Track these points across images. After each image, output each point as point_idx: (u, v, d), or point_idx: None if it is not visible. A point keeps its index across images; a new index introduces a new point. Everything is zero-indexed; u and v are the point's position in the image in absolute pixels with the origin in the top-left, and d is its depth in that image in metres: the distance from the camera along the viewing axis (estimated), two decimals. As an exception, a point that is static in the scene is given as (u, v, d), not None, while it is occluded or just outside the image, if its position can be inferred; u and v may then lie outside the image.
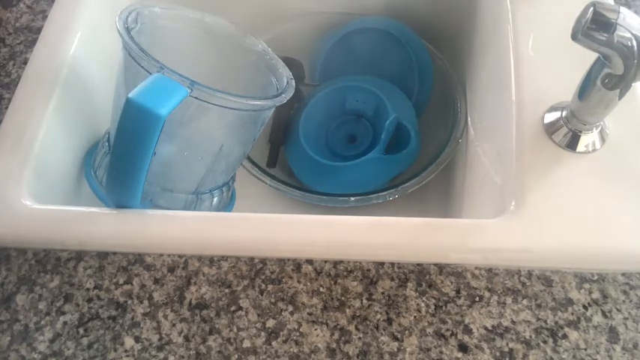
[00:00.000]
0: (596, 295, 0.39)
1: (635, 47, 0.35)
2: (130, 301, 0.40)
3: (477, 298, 0.39)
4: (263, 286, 0.40)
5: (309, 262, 0.41)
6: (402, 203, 0.65)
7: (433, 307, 0.39)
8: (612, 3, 0.39)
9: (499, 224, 0.42)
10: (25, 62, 0.52)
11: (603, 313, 0.39)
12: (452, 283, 0.40)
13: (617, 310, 0.39)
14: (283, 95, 0.50)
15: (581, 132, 0.44)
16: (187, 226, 0.43)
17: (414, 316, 0.39)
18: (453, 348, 0.38)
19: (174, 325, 0.39)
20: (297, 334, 0.38)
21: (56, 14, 0.54)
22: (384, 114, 0.65)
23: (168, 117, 0.39)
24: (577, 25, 0.36)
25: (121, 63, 0.47)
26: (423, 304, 0.39)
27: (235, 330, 0.39)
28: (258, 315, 0.39)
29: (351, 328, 0.38)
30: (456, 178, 0.65)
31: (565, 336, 0.38)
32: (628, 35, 0.35)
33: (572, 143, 0.44)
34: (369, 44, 0.70)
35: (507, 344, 0.38)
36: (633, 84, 0.39)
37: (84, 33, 0.53)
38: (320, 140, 0.70)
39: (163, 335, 0.39)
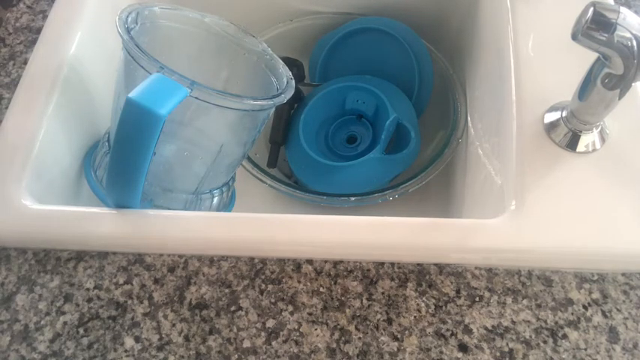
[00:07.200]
0: (596, 295, 0.39)
1: (635, 47, 0.35)
2: (130, 301, 0.40)
3: (477, 298, 0.39)
4: (263, 286, 0.40)
5: (309, 262, 0.41)
6: (402, 203, 0.65)
7: (433, 307, 0.39)
8: (612, 3, 0.39)
9: (499, 224, 0.42)
10: (25, 62, 0.52)
11: (603, 313, 0.39)
12: (452, 283, 0.40)
13: (617, 310, 0.39)
14: (283, 95, 0.50)
15: (581, 132, 0.44)
16: (187, 226, 0.43)
17: (414, 316, 0.39)
18: (453, 348, 0.38)
19: (174, 325, 0.39)
20: (297, 334, 0.38)
21: (56, 14, 0.54)
22: (384, 114, 0.65)
23: (168, 117, 0.39)
24: (577, 25, 0.36)
25: (121, 63, 0.47)
26: (423, 304, 0.39)
27: (235, 330, 0.39)
28: (258, 315, 0.39)
29: (351, 328, 0.38)
30: (456, 178, 0.65)
31: (565, 336, 0.38)
32: (628, 35, 0.35)
33: (572, 143, 0.44)
34: (369, 44, 0.70)
35: (507, 344, 0.38)
36: (633, 84, 0.39)
37: (84, 33, 0.53)
38: (320, 140, 0.70)
39: (163, 335, 0.39)
